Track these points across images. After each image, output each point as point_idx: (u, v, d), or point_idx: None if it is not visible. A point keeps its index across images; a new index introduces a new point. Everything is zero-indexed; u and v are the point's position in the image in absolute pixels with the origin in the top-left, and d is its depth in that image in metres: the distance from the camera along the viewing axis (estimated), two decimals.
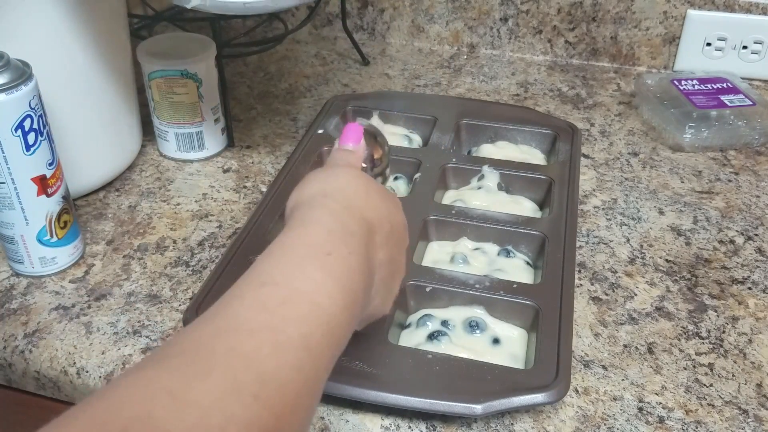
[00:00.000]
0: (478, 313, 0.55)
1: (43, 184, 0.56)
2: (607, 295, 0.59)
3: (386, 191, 0.45)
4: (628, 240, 0.65)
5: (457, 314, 0.55)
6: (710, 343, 0.55)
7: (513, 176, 0.69)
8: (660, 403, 0.50)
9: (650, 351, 0.54)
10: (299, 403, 0.31)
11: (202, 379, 0.28)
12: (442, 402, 0.46)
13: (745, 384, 0.52)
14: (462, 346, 0.53)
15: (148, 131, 0.77)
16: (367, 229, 0.40)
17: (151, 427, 0.26)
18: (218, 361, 0.29)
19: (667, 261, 0.63)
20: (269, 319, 0.32)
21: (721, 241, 0.65)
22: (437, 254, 0.62)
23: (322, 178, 0.43)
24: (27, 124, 0.53)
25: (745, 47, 0.91)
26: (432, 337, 0.53)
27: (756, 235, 0.66)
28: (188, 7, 0.56)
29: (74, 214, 0.61)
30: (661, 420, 0.49)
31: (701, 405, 0.50)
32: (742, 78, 0.88)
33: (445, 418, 0.49)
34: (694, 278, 0.61)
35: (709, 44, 0.91)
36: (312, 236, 0.38)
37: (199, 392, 0.27)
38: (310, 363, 0.32)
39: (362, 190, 0.42)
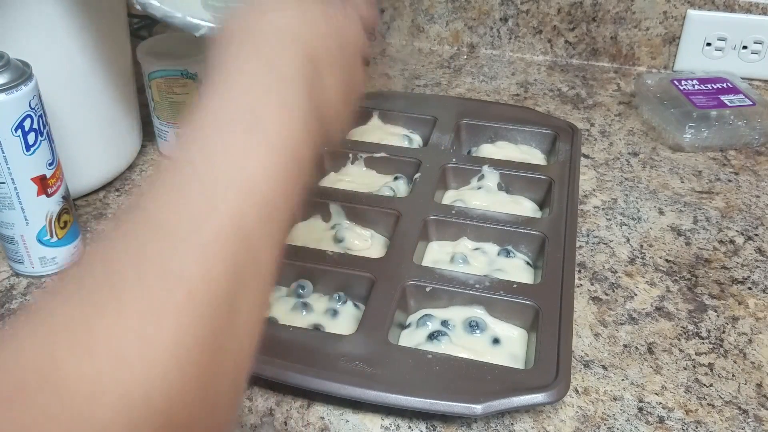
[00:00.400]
0: (478, 313, 0.55)
1: (43, 184, 0.56)
2: (607, 295, 0.59)
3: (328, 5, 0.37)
4: (628, 240, 0.65)
5: (457, 314, 0.55)
6: (710, 343, 0.55)
7: (513, 176, 0.69)
8: (660, 403, 0.50)
9: (650, 351, 0.54)
10: (238, 306, 0.27)
11: (111, 305, 0.25)
12: (442, 402, 0.46)
13: (745, 384, 0.52)
14: (462, 346, 0.53)
15: (148, 131, 0.77)
16: (308, 62, 0.34)
17: (58, 377, 0.23)
18: (129, 278, 0.26)
19: (667, 261, 0.63)
20: (190, 209, 0.27)
21: (721, 241, 0.65)
22: (437, 254, 0.62)
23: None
24: (27, 124, 0.53)
25: (745, 47, 0.91)
26: (432, 337, 0.53)
27: (756, 235, 0.66)
28: (196, 35, 0.55)
29: (74, 214, 0.61)
30: (661, 420, 0.49)
31: (701, 405, 0.50)
32: (742, 78, 0.88)
33: (445, 418, 0.49)
34: (694, 278, 0.61)
35: (709, 44, 0.91)
36: (237, 98, 0.31)
37: (108, 327, 0.24)
38: (248, 258, 0.28)
39: (299, 14, 0.35)
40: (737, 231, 0.67)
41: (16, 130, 0.52)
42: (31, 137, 0.53)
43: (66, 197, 0.59)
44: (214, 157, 0.29)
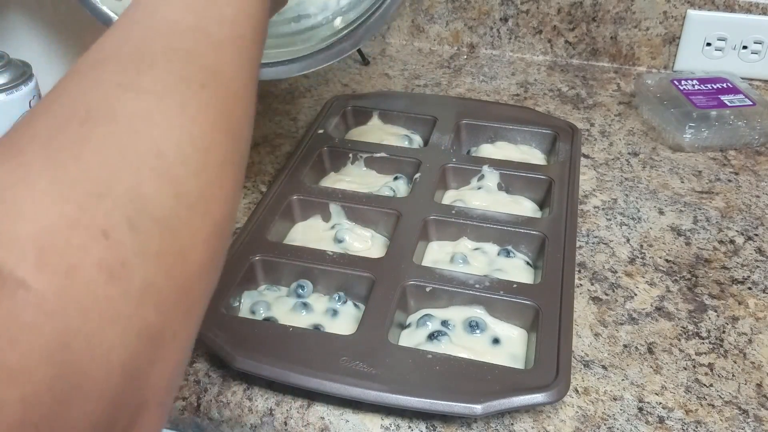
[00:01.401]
0: (478, 313, 0.55)
1: None
2: (607, 295, 0.59)
3: None
4: (628, 240, 0.65)
5: (457, 314, 0.55)
6: (710, 343, 0.55)
7: (513, 176, 0.69)
8: (660, 403, 0.50)
9: (650, 351, 0.54)
10: (243, 91, 0.31)
11: (147, 72, 0.27)
12: (442, 402, 0.46)
13: (745, 384, 0.52)
14: (462, 346, 0.53)
15: None
16: None
17: (113, 109, 0.25)
18: (159, 58, 0.28)
19: (667, 261, 0.63)
20: (198, 20, 0.31)
21: (721, 241, 0.65)
22: (437, 254, 0.62)
23: None
24: None
25: (745, 47, 0.91)
26: (432, 337, 0.53)
27: (756, 235, 0.66)
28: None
29: None
30: (661, 420, 0.49)
31: (701, 405, 0.50)
32: (742, 78, 0.88)
33: (445, 418, 0.49)
34: (694, 278, 0.61)
35: (709, 44, 0.91)
36: None
37: (149, 82, 0.27)
38: (247, 60, 0.31)
39: None
40: (737, 231, 0.67)
41: None
42: None
43: None
44: None
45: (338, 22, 0.55)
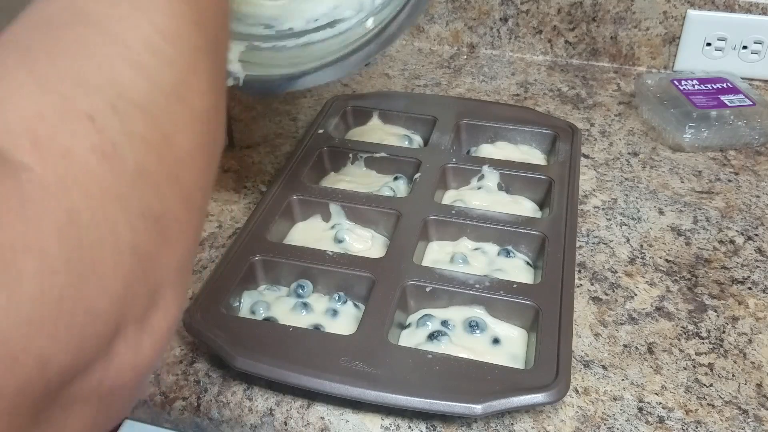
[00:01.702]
0: (478, 313, 0.55)
1: None
2: (607, 295, 0.59)
3: None
4: (628, 240, 0.65)
5: (457, 314, 0.55)
6: (710, 343, 0.55)
7: (513, 176, 0.69)
8: (660, 403, 0.50)
9: (650, 351, 0.54)
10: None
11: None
12: (442, 402, 0.46)
13: (745, 384, 0.52)
14: (462, 346, 0.53)
15: None
16: None
17: (80, 12, 0.26)
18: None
19: (667, 261, 0.63)
20: None
21: (721, 241, 0.65)
22: (437, 254, 0.62)
23: None
24: None
25: (745, 47, 0.91)
26: (432, 337, 0.53)
27: (756, 235, 0.66)
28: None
29: None
30: (661, 420, 0.49)
31: (701, 405, 0.50)
32: (742, 78, 0.88)
33: (445, 418, 0.49)
34: (694, 278, 0.61)
35: (709, 44, 0.91)
36: None
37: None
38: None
39: None
40: (737, 231, 0.67)
41: None
42: None
43: None
44: None
45: (370, 23, 0.54)
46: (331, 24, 0.55)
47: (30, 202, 0.21)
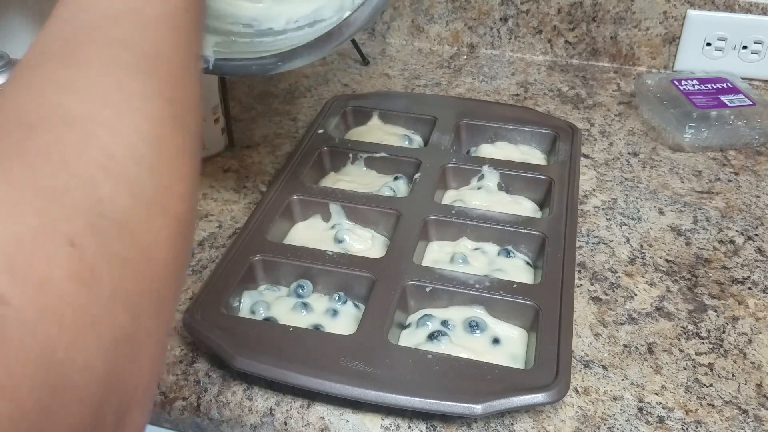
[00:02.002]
0: (478, 313, 0.55)
1: None
2: (607, 295, 0.59)
3: None
4: (628, 240, 0.65)
5: (457, 314, 0.55)
6: (710, 343, 0.55)
7: (513, 176, 0.69)
8: (660, 403, 0.50)
9: (650, 351, 0.54)
10: (188, 74, 0.30)
11: (85, 68, 0.27)
12: (442, 402, 0.46)
13: (745, 384, 0.52)
14: (462, 346, 0.53)
15: None
16: None
17: (57, 112, 0.25)
18: (94, 51, 0.28)
19: (667, 261, 0.63)
20: (129, 2, 0.30)
21: (721, 241, 0.65)
22: (437, 254, 0.62)
23: None
24: None
25: (745, 47, 0.91)
26: (432, 337, 0.53)
27: (756, 235, 0.66)
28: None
29: None
30: (661, 420, 0.49)
31: (701, 405, 0.50)
32: (742, 78, 0.88)
33: (445, 418, 0.49)
34: (694, 278, 0.61)
35: (709, 44, 0.91)
36: None
37: (88, 79, 0.26)
38: (185, 41, 0.31)
39: None
40: (737, 231, 0.67)
41: None
42: None
43: None
44: None
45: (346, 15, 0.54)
46: (311, 24, 0.55)
47: (6, 340, 0.20)
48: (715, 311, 0.58)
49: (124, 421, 0.24)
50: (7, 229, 0.21)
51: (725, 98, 0.82)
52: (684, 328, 0.56)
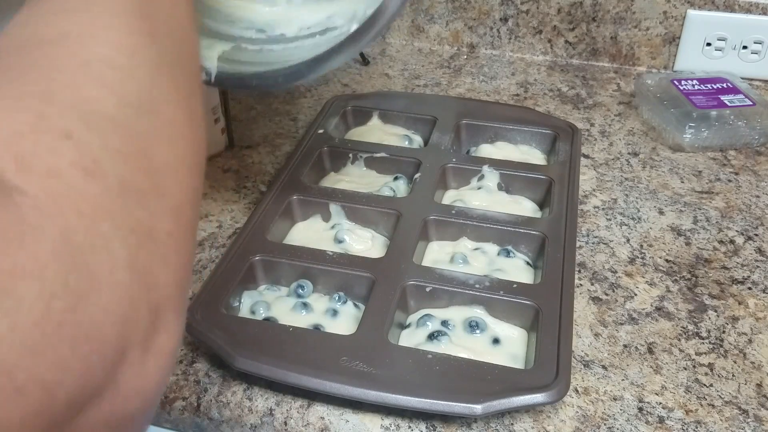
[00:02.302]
0: (478, 313, 0.55)
1: None
2: (607, 295, 0.59)
3: None
4: (628, 240, 0.65)
5: (457, 314, 0.55)
6: (710, 343, 0.55)
7: (513, 176, 0.69)
8: (660, 403, 0.50)
9: (650, 351, 0.54)
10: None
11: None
12: (442, 402, 0.46)
13: (745, 384, 0.52)
14: (462, 346, 0.53)
15: None
16: None
17: (44, 36, 0.27)
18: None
19: (667, 261, 0.63)
20: None
21: (721, 241, 0.65)
22: (437, 254, 0.62)
23: None
24: None
25: (745, 47, 0.91)
26: (432, 337, 0.53)
27: (756, 235, 0.66)
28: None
29: None
30: (661, 420, 0.49)
31: (701, 405, 0.50)
32: (742, 78, 0.88)
33: (445, 418, 0.49)
34: (694, 278, 0.61)
35: (709, 44, 0.91)
36: None
37: (67, 5, 0.28)
38: None
39: None
40: (737, 231, 0.67)
41: None
42: None
43: None
44: None
45: (354, 29, 0.54)
46: (322, 32, 0.55)
47: (28, 227, 0.20)
48: (715, 311, 0.58)
49: (159, 321, 0.25)
50: (6, 128, 0.22)
51: (725, 98, 0.82)
52: (684, 328, 0.56)
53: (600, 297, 0.59)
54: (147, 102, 0.27)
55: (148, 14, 0.30)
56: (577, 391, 0.51)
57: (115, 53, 0.27)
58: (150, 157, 0.26)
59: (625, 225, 0.67)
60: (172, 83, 0.29)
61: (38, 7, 0.29)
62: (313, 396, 0.50)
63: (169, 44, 0.30)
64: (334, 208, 0.65)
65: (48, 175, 0.22)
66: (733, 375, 0.52)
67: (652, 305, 0.58)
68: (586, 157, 0.77)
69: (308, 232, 0.65)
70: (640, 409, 0.50)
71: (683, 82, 0.85)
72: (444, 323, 0.55)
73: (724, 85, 0.85)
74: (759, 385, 0.52)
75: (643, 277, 0.61)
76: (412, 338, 0.54)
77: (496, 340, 0.54)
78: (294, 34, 0.56)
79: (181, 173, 0.28)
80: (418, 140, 0.77)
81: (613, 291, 0.60)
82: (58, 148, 0.23)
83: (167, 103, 0.28)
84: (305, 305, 0.56)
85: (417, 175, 0.69)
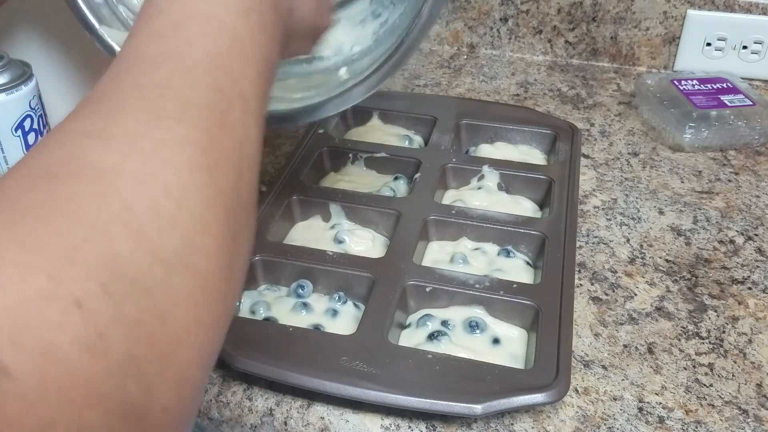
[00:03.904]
0: (478, 313, 0.55)
1: None
2: (607, 295, 0.59)
3: None
4: (628, 240, 0.65)
5: (457, 314, 0.55)
6: (710, 343, 0.55)
7: (513, 176, 0.69)
8: (660, 403, 0.50)
9: (650, 351, 0.54)
10: (229, 120, 0.28)
11: (116, 115, 0.26)
12: (442, 402, 0.46)
13: (745, 384, 0.52)
14: (462, 346, 0.53)
15: None
16: None
17: (82, 163, 0.24)
18: (128, 97, 0.27)
19: (667, 261, 0.63)
20: (167, 46, 0.29)
21: (721, 241, 0.65)
22: (437, 254, 0.62)
23: None
24: (27, 124, 0.53)
25: (745, 47, 0.91)
26: (432, 337, 0.53)
27: (756, 235, 0.66)
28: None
29: None
30: (661, 420, 0.49)
31: (701, 405, 0.50)
32: (742, 78, 0.88)
33: (445, 418, 0.49)
34: (694, 278, 0.61)
35: (709, 44, 0.91)
36: None
37: (119, 127, 0.25)
38: (228, 82, 0.29)
39: None
40: (737, 231, 0.67)
41: (16, 130, 0.53)
42: (31, 137, 0.54)
43: None
44: (181, 3, 0.31)
45: (343, 72, 0.52)
46: (308, 60, 0.54)
47: (6, 418, 0.19)
48: (715, 311, 0.58)
49: None
50: (13, 293, 0.21)
51: (725, 98, 0.82)
52: (684, 328, 0.56)
53: (600, 297, 0.59)
54: (184, 256, 0.25)
55: (214, 146, 0.27)
56: (577, 391, 0.51)
57: (163, 196, 0.25)
58: (167, 324, 0.24)
59: (625, 225, 0.67)
60: (222, 227, 0.27)
61: (85, 125, 0.26)
62: (313, 396, 0.50)
63: (229, 179, 0.28)
64: (334, 208, 0.65)
65: (42, 356, 0.20)
66: (733, 375, 0.52)
67: (652, 305, 0.58)
68: (586, 157, 0.77)
69: (308, 232, 0.65)
70: (640, 409, 0.50)
71: (683, 82, 0.85)
72: (444, 323, 0.55)
73: (724, 85, 0.85)
74: (759, 385, 0.52)
75: (643, 277, 0.61)
76: (412, 338, 0.54)
77: (496, 340, 0.54)
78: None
79: (198, 336, 0.25)
80: (418, 140, 0.77)
81: (613, 291, 0.60)
82: (63, 321, 0.21)
83: (207, 256, 0.26)
84: (305, 305, 0.56)
85: (417, 175, 0.69)
